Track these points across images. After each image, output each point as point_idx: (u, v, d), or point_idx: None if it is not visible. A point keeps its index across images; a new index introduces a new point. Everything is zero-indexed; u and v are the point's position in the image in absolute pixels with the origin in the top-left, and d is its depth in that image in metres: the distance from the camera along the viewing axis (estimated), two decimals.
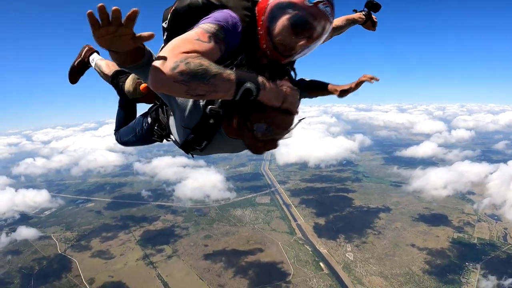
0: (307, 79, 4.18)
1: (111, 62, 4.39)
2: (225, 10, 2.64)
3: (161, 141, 3.90)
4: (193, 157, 3.66)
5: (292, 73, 3.36)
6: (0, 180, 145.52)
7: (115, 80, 4.22)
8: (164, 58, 2.01)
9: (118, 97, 4.64)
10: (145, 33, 2.06)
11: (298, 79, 3.85)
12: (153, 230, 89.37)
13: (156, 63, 2.01)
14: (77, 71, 4.97)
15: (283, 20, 2.60)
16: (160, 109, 3.68)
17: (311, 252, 72.86)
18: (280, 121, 2.49)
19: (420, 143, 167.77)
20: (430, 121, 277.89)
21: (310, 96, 4.25)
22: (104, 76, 4.46)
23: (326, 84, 4.08)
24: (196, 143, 3.05)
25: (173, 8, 2.86)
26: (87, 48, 4.88)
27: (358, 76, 3.74)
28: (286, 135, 2.67)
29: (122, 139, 4.60)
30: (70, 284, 69.36)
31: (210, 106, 2.68)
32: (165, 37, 3.09)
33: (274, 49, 2.72)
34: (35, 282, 71.10)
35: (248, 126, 2.56)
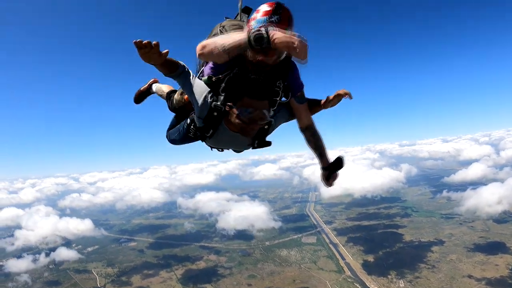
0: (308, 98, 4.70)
1: (167, 85, 5.62)
2: None
3: (196, 139, 4.66)
4: (211, 149, 4.73)
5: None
6: (46, 210, 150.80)
7: (170, 94, 5.22)
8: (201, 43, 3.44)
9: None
10: (165, 50, 3.30)
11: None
12: (196, 269, 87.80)
13: (199, 44, 3.43)
14: (142, 94, 6.22)
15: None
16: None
17: None
18: (253, 105, 3.57)
19: (469, 166, 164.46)
20: (476, 147, 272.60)
21: (313, 112, 4.75)
22: (162, 94, 5.57)
23: (319, 100, 4.69)
24: (205, 131, 4.10)
25: (209, 37, 4.29)
26: (153, 79, 6.10)
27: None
28: (263, 117, 3.70)
29: (170, 137, 5.32)
30: None
31: (214, 103, 3.80)
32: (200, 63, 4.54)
33: (252, 62, 3.67)
34: None
35: (235, 112, 3.65)
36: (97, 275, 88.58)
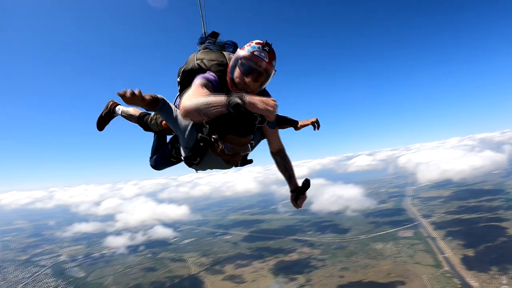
0: (279, 114, 5.11)
1: (133, 108, 5.60)
2: (207, 72, 4.09)
3: (178, 162, 4.96)
4: (196, 171, 4.80)
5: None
6: (146, 200, 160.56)
7: (143, 118, 5.30)
8: (183, 102, 3.29)
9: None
10: (147, 96, 3.50)
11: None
12: (288, 261, 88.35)
13: (180, 104, 3.29)
14: (104, 121, 6.00)
15: (236, 68, 3.88)
16: (175, 139, 4.86)
17: (459, 286, 65.59)
18: (236, 141, 3.59)
19: None
20: None
21: (281, 128, 5.07)
22: (131, 117, 5.52)
23: (296, 121, 5.13)
24: (193, 159, 4.22)
25: (183, 69, 4.41)
26: (112, 102, 5.98)
27: None
28: (245, 150, 3.78)
29: (155, 163, 5.49)
30: None
31: (199, 134, 3.88)
32: (179, 86, 4.53)
33: (236, 89, 3.92)
34: None
35: (220, 146, 3.68)
36: (192, 264, 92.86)
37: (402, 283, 69.39)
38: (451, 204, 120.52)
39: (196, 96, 3.40)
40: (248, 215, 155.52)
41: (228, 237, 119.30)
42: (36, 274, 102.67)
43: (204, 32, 5.35)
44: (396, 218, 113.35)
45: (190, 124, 3.91)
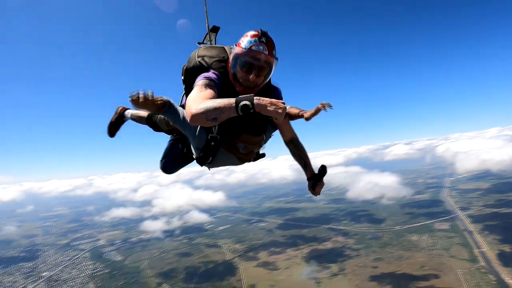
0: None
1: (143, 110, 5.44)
2: (210, 71, 4.01)
3: (190, 162, 5.20)
4: (209, 169, 4.97)
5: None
6: (182, 186, 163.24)
7: (151, 119, 5.38)
8: (188, 107, 3.21)
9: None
10: (159, 100, 3.66)
11: None
12: (322, 249, 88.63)
13: (186, 109, 3.23)
14: (114, 126, 6.11)
15: (236, 65, 3.84)
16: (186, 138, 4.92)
17: (494, 282, 64.21)
18: (250, 140, 3.75)
19: None
20: None
21: (290, 119, 5.12)
22: (140, 119, 5.62)
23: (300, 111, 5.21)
24: (205, 159, 4.27)
25: (185, 67, 4.38)
26: (121, 107, 6.11)
27: None
28: (260, 147, 4.01)
29: (164, 166, 5.59)
30: (230, 286, 73.48)
31: (210, 134, 3.98)
32: (184, 85, 4.55)
33: (239, 85, 3.93)
34: (198, 280, 77.57)
35: (234, 145, 3.85)
36: (226, 250, 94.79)
37: (436, 276, 68.52)
38: (489, 197, 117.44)
39: (201, 99, 3.36)
40: (283, 203, 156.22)
41: (263, 224, 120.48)
42: (75, 257, 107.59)
43: (208, 26, 5.35)
44: (433, 209, 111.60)
45: (199, 126, 3.95)
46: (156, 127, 5.34)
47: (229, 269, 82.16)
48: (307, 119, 5.06)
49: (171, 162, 5.44)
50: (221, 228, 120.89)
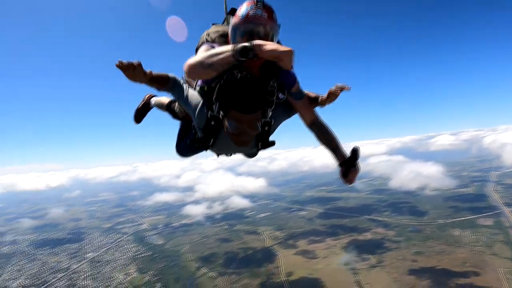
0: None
1: (165, 96, 5.64)
2: (214, 43, 4.13)
3: (203, 148, 4.60)
4: (217, 156, 4.87)
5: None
6: (224, 172, 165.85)
7: (170, 105, 5.37)
8: (187, 61, 3.31)
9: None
10: (151, 71, 3.53)
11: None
12: (362, 240, 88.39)
13: (185, 64, 3.31)
14: (140, 113, 6.16)
15: (236, 36, 3.67)
16: None
17: None
18: (240, 119, 3.38)
19: None
20: None
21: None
22: (161, 105, 5.62)
23: (316, 97, 4.56)
24: (206, 141, 4.07)
25: (198, 45, 4.50)
26: (148, 95, 6.14)
27: None
28: (252, 130, 3.52)
29: (179, 150, 5.45)
30: (268, 272, 74.58)
31: (210, 112, 3.70)
32: None
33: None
34: (237, 265, 79.62)
35: (224, 124, 3.56)
36: (266, 237, 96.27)
37: (477, 274, 67.08)
38: None
39: (200, 54, 3.36)
40: (324, 192, 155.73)
41: (303, 213, 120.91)
42: (118, 240, 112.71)
43: (225, 9, 5.13)
44: (477, 204, 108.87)
45: (201, 102, 3.82)
46: (174, 114, 5.32)
47: (267, 256, 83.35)
48: (322, 104, 4.41)
49: (185, 148, 5.24)
50: (262, 215, 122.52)
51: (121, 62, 3.27)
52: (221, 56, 3.05)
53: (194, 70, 3.25)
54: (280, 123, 4.34)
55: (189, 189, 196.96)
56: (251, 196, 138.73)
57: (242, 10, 3.57)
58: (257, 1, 3.53)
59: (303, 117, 4.22)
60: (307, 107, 4.20)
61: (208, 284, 74.57)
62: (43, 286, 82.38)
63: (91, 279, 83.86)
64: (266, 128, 4.00)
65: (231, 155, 4.80)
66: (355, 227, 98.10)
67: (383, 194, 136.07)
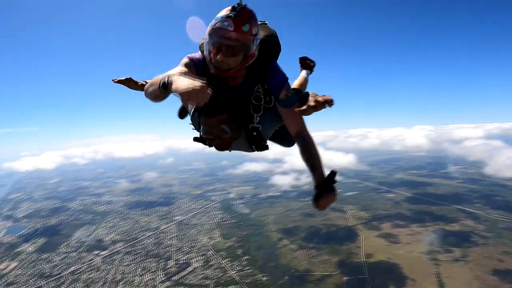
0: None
1: None
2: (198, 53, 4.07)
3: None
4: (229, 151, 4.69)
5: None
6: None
7: None
8: None
9: None
10: (140, 81, 4.42)
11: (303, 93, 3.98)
12: (448, 230, 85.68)
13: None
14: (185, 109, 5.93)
15: (208, 45, 3.61)
16: None
17: None
18: (206, 122, 3.56)
19: None
20: None
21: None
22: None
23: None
24: (203, 141, 4.24)
25: (200, 44, 4.27)
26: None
27: None
28: (219, 132, 3.64)
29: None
30: (348, 251, 75.65)
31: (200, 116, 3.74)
32: None
33: (212, 67, 3.69)
34: (318, 240, 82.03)
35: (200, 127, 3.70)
36: (351, 216, 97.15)
37: None
38: None
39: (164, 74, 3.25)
40: (415, 176, 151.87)
41: (391, 195, 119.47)
42: (206, 207, 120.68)
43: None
44: None
45: (193, 108, 3.76)
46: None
47: (350, 235, 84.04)
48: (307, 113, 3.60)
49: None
50: (348, 194, 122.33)
51: (113, 80, 4.50)
52: (154, 88, 3.19)
53: (145, 95, 3.53)
54: (273, 128, 4.25)
55: (278, 160, 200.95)
56: (339, 173, 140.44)
57: (215, 18, 3.47)
58: (232, 9, 3.38)
59: (289, 126, 3.98)
60: (293, 116, 3.86)
61: (288, 256, 76.95)
62: (133, 242, 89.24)
63: (177, 239, 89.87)
64: (255, 133, 4.06)
65: (230, 151, 4.51)
66: (443, 216, 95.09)
67: (477, 184, 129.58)
